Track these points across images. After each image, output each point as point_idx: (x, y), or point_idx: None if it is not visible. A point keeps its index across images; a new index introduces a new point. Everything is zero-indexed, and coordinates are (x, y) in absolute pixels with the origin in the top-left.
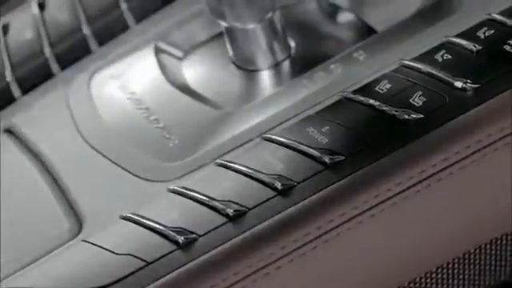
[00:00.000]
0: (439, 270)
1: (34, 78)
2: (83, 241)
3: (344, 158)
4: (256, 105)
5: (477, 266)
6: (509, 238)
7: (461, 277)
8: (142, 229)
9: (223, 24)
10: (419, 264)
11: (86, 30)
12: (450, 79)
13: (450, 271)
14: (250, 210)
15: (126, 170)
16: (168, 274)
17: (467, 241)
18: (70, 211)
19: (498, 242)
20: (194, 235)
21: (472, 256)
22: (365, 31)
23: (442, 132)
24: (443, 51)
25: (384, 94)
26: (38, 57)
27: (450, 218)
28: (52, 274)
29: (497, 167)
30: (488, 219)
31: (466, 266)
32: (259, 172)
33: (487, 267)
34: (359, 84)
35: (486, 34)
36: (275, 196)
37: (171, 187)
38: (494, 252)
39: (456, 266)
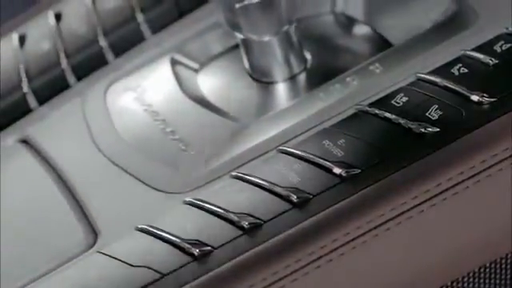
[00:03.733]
0: (454, 284)
1: (51, 89)
2: (98, 252)
3: (360, 171)
4: (272, 117)
5: (492, 281)
6: None
7: None
8: (157, 241)
9: (239, 36)
10: (434, 278)
11: (103, 42)
12: (466, 93)
13: (466, 285)
14: (265, 222)
15: (142, 182)
16: (183, 286)
17: (483, 255)
18: (85, 222)
19: None
20: (209, 247)
21: (488, 270)
22: (381, 44)
23: (457, 146)
24: (459, 65)
25: (400, 107)
26: (55, 68)
27: (465, 232)
28: (67, 285)
29: None
30: (504, 233)
31: (482, 281)
32: (275, 185)
33: (502, 281)
34: (375, 97)
35: (503, 48)
36: (291, 209)
37: (187, 199)
38: (509, 266)
39: (471, 279)
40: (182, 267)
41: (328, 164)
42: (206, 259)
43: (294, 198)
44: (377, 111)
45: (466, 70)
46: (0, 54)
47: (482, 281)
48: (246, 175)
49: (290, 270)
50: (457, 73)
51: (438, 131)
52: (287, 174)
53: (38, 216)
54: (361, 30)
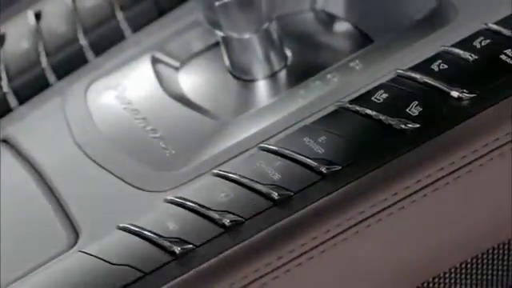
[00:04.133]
0: (436, 280)
1: (31, 88)
2: (80, 251)
3: (340, 167)
4: (252, 115)
5: (473, 276)
6: (506, 246)
7: (458, 287)
8: (138, 239)
9: (219, 34)
10: (416, 274)
11: (83, 41)
12: (446, 89)
13: (448, 281)
14: (246, 220)
15: (123, 181)
16: (165, 284)
17: (464, 251)
18: (66, 221)
19: (495, 250)
20: (190, 245)
21: (469, 266)
22: (361, 41)
23: (438, 142)
24: (439, 61)
25: (380, 103)
26: (35, 67)
27: (446, 228)
28: (49, 285)
29: (493, 177)
30: (485, 228)
31: (463, 276)
32: (256, 182)
33: (484, 277)
34: (356, 94)
35: (482, 44)
36: (272, 206)
37: (168, 197)
38: (491, 261)
39: (453, 275)
40: (163, 265)
41: (309, 161)
42: (188, 257)
43: (274, 195)
44: (357, 108)
45: (445, 66)
46: None
47: (463, 276)
48: (227, 173)
49: (271, 268)
50: (437, 69)
51: (418, 127)
52: (268, 171)
53: (19, 216)
54: (341, 26)
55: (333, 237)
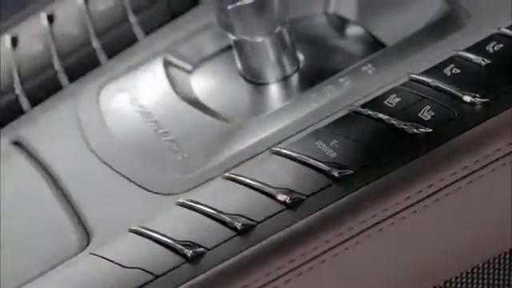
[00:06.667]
0: (447, 285)
1: (43, 90)
2: (91, 254)
3: (353, 171)
4: (264, 118)
5: (485, 281)
6: None
7: None
8: (150, 242)
9: (232, 37)
10: (427, 278)
11: (95, 43)
12: (458, 93)
13: (459, 285)
14: (258, 223)
15: (135, 183)
16: (176, 287)
17: (475, 255)
18: (78, 224)
19: (507, 255)
20: (202, 249)
21: (480, 270)
22: (373, 45)
23: (450, 146)
24: (452, 65)
25: (393, 107)
26: (47, 69)
27: (458, 233)
28: (60, 287)
29: (505, 182)
30: (497, 233)
31: (475, 281)
32: (268, 185)
33: (495, 281)
34: (368, 98)
35: (495, 49)
36: (284, 210)
37: (180, 200)
38: (502, 266)
39: (464, 280)
40: (174, 268)
41: (321, 165)
42: (199, 260)
43: (287, 199)
44: (369, 112)
45: (458, 71)
46: None
47: (474, 281)
48: (239, 176)
49: (283, 271)
50: (449, 73)
51: (430, 132)
52: (280, 174)
53: (31, 218)
54: (353, 30)
55: (345, 240)
